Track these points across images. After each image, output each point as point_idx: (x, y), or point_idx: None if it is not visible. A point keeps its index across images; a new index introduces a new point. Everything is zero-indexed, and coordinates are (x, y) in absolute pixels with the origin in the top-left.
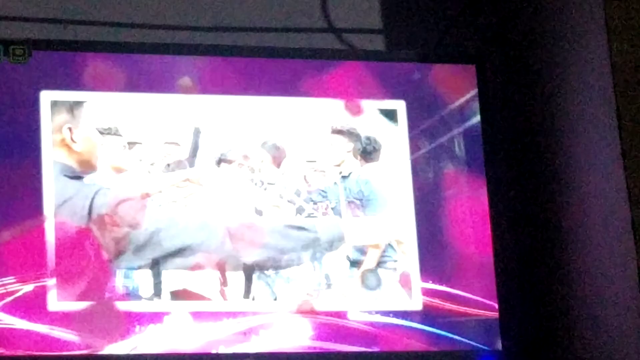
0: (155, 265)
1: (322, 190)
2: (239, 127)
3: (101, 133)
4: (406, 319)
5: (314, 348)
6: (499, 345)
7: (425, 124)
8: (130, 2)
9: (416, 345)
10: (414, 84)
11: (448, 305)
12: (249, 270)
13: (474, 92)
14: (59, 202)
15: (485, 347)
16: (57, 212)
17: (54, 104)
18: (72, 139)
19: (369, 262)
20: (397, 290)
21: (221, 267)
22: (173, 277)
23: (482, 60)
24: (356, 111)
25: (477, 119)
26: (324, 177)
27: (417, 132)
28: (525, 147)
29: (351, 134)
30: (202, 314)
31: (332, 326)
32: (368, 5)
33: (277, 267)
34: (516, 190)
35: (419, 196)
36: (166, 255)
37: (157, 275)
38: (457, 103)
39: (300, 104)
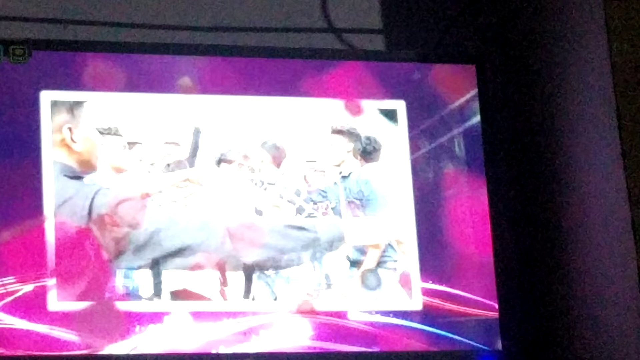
0: (155, 265)
1: (322, 190)
2: (239, 127)
3: (101, 133)
4: (406, 319)
5: (314, 348)
6: (499, 345)
7: (425, 124)
8: (130, 2)
9: (416, 345)
10: (414, 84)
11: (448, 305)
12: (249, 270)
13: (474, 92)
14: (59, 202)
15: (485, 347)
16: (57, 212)
17: (54, 104)
18: (72, 139)
19: (369, 262)
20: (397, 290)
21: (221, 267)
22: (173, 277)
23: (482, 60)
24: (356, 111)
25: (477, 119)
26: (324, 177)
27: (417, 132)
28: (525, 147)
29: (351, 134)
30: (202, 314)
31: (332, 326)
32: (368, 5)
33: (277, 267)
34: (516, 190)
35: (419, 196)
36: (166, 255)
37: (157, 275)
38: (457, 103)
39: (300, 104)
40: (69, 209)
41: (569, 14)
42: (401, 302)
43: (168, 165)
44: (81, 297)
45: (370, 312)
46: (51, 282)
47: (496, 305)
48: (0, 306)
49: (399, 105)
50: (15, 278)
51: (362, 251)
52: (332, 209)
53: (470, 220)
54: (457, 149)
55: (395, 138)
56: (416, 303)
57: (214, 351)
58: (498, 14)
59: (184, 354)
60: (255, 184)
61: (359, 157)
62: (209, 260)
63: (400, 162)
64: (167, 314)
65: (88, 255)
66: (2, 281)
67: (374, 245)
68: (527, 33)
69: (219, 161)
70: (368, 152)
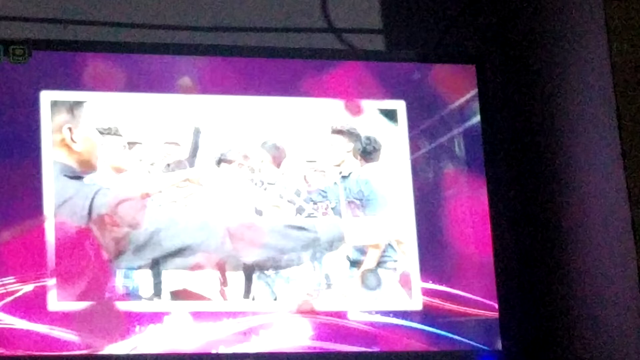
0: (155, 265)
1: (322, 190)
2: (239, 127)
3: (101, 133)
4: (406, 319)
5: (314, 348)
6: (499, 345)
7: (425, 124)
8: (130, 2)
9: (416, 345)
10: (414, 84)
11: (448, 305)
12: (249, 270)
13: (474, 92)
14: (59, 202)
15: (485, 347)
16: (57, 212)
17: (54, 104)
18: (72, 139)
19: (369, 262)
20: (397, 290)
21: (221, 267)
22: (173, 277)
23: (482, 60)
24: (356, 111)
25: (477, 119)
26: (324, 177)
27: (417, 132)
28: (525, 147)
29: (351, 134)
30: (202, 314)
31: (332, 326)
32: (368, 5)
33: (277, 267)
34: (516, 190)
35: (419, 196)
36: (166, 255)
37: (157, 275)
38: (457, 103)
39: (300, 104)
40: (69, 209)
41: (569, 14)
42: (401, 302)
43: (168, 165)
44: (81, 297)
45: (370, 312)
46: (51, 282)
47: (496, 305)
48: (0, 306)
49: (399, 105)
50: (15, 278)
51: (362, 251)
52: (332, 209)
53: (470, 220)
54: (457, 149)
55: (395, 138)
56: (416, 303)
57: (214, 351)
58: (498, 14)
59: (184, 354)
60: (255, 184)
61: (359, 157)
62: (209, 260)
63: (400, 162)
64: (167, 314)
65: (88, 255)
66: (2, 281)
67: (374, 245)
68: (527, 33)
69: (219, 161)
70: (368, 152)
